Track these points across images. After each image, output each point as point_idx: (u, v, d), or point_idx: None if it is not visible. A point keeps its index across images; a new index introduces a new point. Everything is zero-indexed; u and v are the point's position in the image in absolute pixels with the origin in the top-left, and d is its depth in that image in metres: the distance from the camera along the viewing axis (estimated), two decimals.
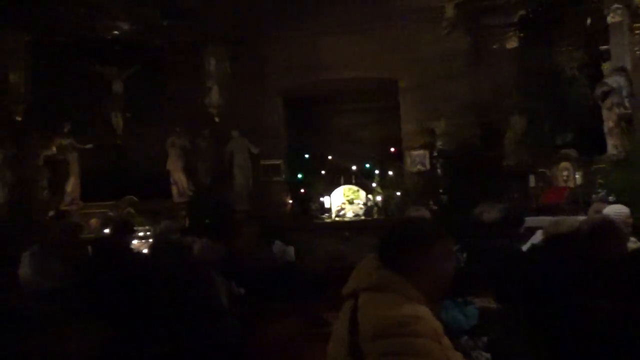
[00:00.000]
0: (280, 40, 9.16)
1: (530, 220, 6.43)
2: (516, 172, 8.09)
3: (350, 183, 9.83)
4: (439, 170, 9.11)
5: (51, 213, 8.39)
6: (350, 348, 1.68)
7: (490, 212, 5.29)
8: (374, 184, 9.76)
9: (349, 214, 9.69)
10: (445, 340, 1.71)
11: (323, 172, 10.01)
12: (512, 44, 8.44)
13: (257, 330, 5.04)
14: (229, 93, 8.97)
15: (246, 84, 9.09)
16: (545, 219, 5.51)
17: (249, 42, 9.09)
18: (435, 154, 9.12)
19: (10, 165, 7.81)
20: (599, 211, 4.19)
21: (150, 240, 7.87)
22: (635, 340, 2.20)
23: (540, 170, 8.02)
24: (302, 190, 9.88)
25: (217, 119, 9.04)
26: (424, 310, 1.67)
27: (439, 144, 8.95)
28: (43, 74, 8.33)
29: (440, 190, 8.87)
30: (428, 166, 9.32)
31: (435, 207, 8.18)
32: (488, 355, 2.59)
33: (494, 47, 8.56)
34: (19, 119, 7.97)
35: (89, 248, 6.60)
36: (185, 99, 9.37)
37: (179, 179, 9.18)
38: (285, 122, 9.74)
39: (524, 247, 4.15)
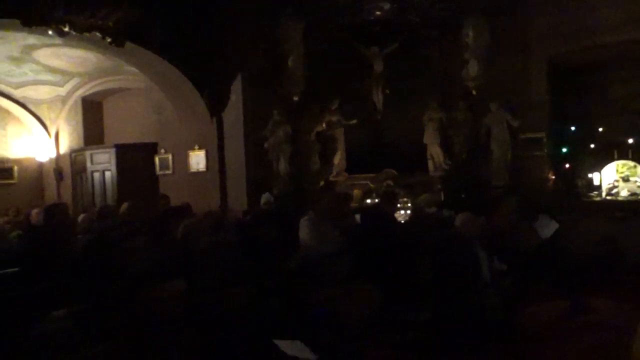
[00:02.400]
0: (546, 3, 8.48)
1: None
2: None
3: (625, 158, 8.75)
4: None
5: (321, 183, 9.27)
6: None
7: None
8: None
9: (623, 192, 8.65)
10: None
11: (592, 145, 9.09)
12: None
13: (519, 309, 4.91)
14: (487, 65, 8.67)
15: (507, 54, 8.67)
16: None
17: (510, 9, 8.63)
18: None
19: (290, 141, 8.88)
20: None
21: (408, 212, 8.19)
22: None
23: None
24: (567, 166, 9.14)
25: (474, 92, 8.83)
26: None
27: None
28: (315, 58, 9.22)
29: None
30: None
31: None
32: None
33: None
34: (296, 99, 8.96)
35: (356, 216, 7.21)
36: (442, 73, 9.41)
37: (435, 152, 9.29)
38: (549, 92, 9.03)
39: None
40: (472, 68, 8.73)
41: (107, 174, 11.21)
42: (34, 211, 9.14)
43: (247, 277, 3.08)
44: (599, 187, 8.77)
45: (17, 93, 11.66)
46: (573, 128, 9.38)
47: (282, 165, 8.84)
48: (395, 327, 4.61)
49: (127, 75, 10.52)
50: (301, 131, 9.10)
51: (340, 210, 6.52)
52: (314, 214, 6.29)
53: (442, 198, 8.83)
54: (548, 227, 6.78)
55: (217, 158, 9.45)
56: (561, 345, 4.71)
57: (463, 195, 8.63)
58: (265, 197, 7.50)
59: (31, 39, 8.83)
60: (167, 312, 2.28)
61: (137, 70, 9.64)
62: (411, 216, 7.27)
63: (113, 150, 11.12)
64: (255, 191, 8.62)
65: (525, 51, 8.80)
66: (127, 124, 11.75)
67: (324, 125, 9.30)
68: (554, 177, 9.02)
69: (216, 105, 9.35)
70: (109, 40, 7.21)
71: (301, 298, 3.17)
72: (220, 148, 9.42)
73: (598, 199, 8.67)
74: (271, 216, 6.72)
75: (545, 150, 8.92)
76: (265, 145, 8.87)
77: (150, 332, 2.28)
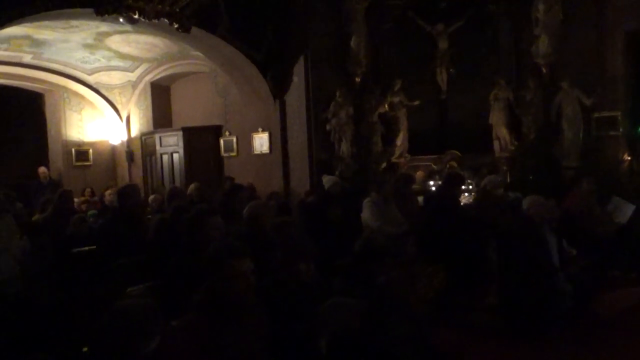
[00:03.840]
0: None
1: None
2: None
3: None
4: None
5: (384, 165, 9.22)
6: None
7: None
8: None
9: None
10: None
11: None
12: None
13: (593, 296, 4.74)
14: (559, 40, 8.30)
15: (580, 29, 8.27)
16: None
17: None
18: None
19: (352, 122, 8.85)
20: None
21: (473, 194, 8.02)
22: None
23: None
24: None
25: (544, 70, 8.49)
26: None
27: None
28: (378, 38, 9.10)
29: None
30: None
31: None
32: None
33: None
34: (358, 80, 8.91)
35: (419, 198, 7.15)
36: (509, 51, 9.09)
37: (501, 133, 9.03)
38: (626, 68, 8.55)
39: None
40: (543, 44, 8.39)
41: (175, 156, 11.56)
42: (108, 192, 9.63)
43: (312, 257, 3.13)
44: None
45: (91, 79, 12.19)
46: None
47: (345, 147, 8.83)
48: (461, 310, 4.57)
49: (193, 59, 10.77)
50: (364, 112, 9.04)
51: (402, 192, 6.47)
52: (377, 195, 6.28)
53: (509, 180, 8.60)
54: (624, 211, 6.48)
55: (280, 140, 9.56)
56: (634, 334, 4.52)
57: (531, 177, 8.37)
58: (329, 179, 7.53)
59: (103, 27, 9.18)
60: (242, 289, 2.36)
61: (202, 55, 9.85)
62: (476, 198, 7.11)
63: (180, 133, 11.43)
64: (318, 173, 8.68)
65: (600, 25, 8.36)
66: (193, 108, 12.06)
67: (386, 106, 9.22)
68: (630, 158, 8.58)
69: (279, 87, 9.43)
70: (176, 26, 7.39)
71: (366, 279, 3.19)
72: (283, 130, 9.52)
73: None
74: (336, 197, 6.76)
75: (621, 130, 8.50)
76: (328, 127, 8.88)
77: (229, 308, 2.36)
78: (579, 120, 8.39)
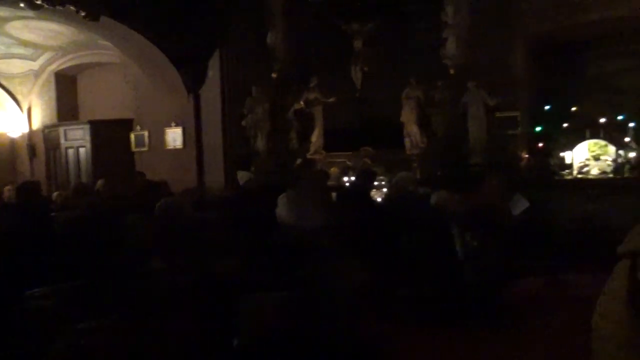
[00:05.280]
0: None
1: None
2: None
3: (597, 137, 8.94)
4: None
5: (299, 161, 9.29)
6: (631, 307, 1.63)
7: None
8: (627, 139, 8.71)
9: (594, 171, 8.86)
10: None
11: (565, 124, 9.26)
12: None
13: (502, 286, 5.04)
14: (467, 43, 8.73)
15: (489, 33, 8.71)
16: None
17: None
18: None
19: (268, 118, 8.85)
20: None
21: (384, 190, 8.27)
22: None
23: None
24: (540, 145, 9.30)
25: (452, 71, 8.89)
26: None
27: None
28: (296, 34, 9.14)
29: None
30: None
31: None
32: None
33: None
34: (274, 76, 8.92)
35: (333, 194, 7.26)
36: (422, 51, 9.43)
37: (412, 130, 9.35)
38: (531, 71, 9.13)
39: None
40: (451, 46, 8.78)
41: (82, 150, 11.05)
42: (6, 188, 9.02)
43: (230, 253, 3.11)
44: (571, 166, 8.96)
45: None
46: (547, 107, 9.52)
47: (260, 143, 8.83)
48: (379, 301, 4.70)
49: (103, 49, 10.32)
50: (280, 108, 9.06)
51: (317, 188, 6.55)
52: (292, 191, 6.31)
53: (419, 176, 8.94)
54: (517, 206, 6.93)
55: (195, 135, 9.39)
56: (540, 320, 4.86)
57: (439, 173, 8.74)
58: (244, 174, 7.48)
59: (3, 11, 8.58)
60: (159, 288, 2.31)
61: (112, 45, 9.46)
62: (388, 194, 7.34)
63: (87, 127, 10.95)
64: (233, 169, 8.60)
65: (508, 29, 8.85)
66: (102, 100, 11.56)
67: (302, 102, 9.28)
68: (527, 155, 9.19)
69: (194, 81, 9.24)
70: (83, 14, 7.04)
71: (284, 274, 3.21)
72: (198, 125, 9.36)
73: (570, 177, 8.86)
74: (251, 193, 6.73)
75: (520, 129, 9.07)
76: (244, 122, 8.83)
77: (146, 308, 2.30)
78: (483, 120, 8.85)
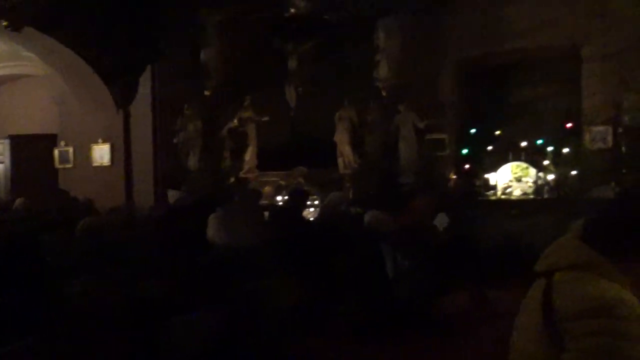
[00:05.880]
0: (459, 8, 8.93)
1: None
2: None
3: (519, 160, 9.38)
4: (623, 148, 8.33)
5: (231, 180, 9.20)
6: (544, 325, 1.69)
7: None
8: (546, 162, 9.20)
9: (516, 192, 9.27)
10: None
11: (490, 147, 9.67)
12: None
13: (429, 303, 5.14)
14: (399, 66, 8.99)
15: (419, 57, 9.02)
16: None
17: (425, 13, 8.98)
18: (620, 130, 8.33)
19: (200, 136, 8.72)
20: None
21: (317, 209, 8.31)
22: None
23: None
24: (467, 166, 9.66)
25: (384, 93, 9.12)
26: (628, 295, 1.62)
27: (626, 119, 8.16)
28: (231, 52, 9.09)
29: (624, 171, 8.13)
30: (610, 144, 8.57)
31: (618, 189, 7.53)
32: None
33: None
34: (207, 93, 8.82)
35: (266, 213, 7.21)
36: (356, 73, 9.61)
37: (345, 151, 9.48)
38: (458, 95, 9.51)
39: None
40: (383, 69, 9.02)
41: (0, 166, 10.46)
42: None
43: (158, 274, 3.01)
44: (495, 187, 9.34)
45: None
46: (473, 130, 9.92)
47: (192, 161, 8.67)
48: (315, 318, 4.68)
49: (26, 61, 9.85)
50: (213, 126, 8.95)
51: (250, 207, 6.50)
52: (224, 210, 6.23)
53: (351, 196, 9.04)
54: (440, 222, 7.15)
55: (124, 152, 9.09)
56: (466, 334, 4.99)
57: (372, 193, 8.88)
58: (174, 193, 7.31)
59: None
60: (85, 308, 2.19)
61: (36, 57, 9.05)
62: (320, 214, 7.38)
63: (7, 141, 10.42)
64: (164, 187, 8.39)
65: (437, 54, 9.20)
66: (24, 114, 11.00)
67: (236, 121, 9.22)
68: (455, 176, 9.51)
69: (123, 96, 8.98)
70: (4, 23, 6.71)
71: (213, 295, 3.14)
72: (127, 142, 9.07)
73: (494, 198, 9.23)
74: (182, 212, 6.57)
75: (448, 151, 9.39)
76: (175, 140, 8.65)
77: (67, 330, 2.17)
78: (414, 141, 9.11)
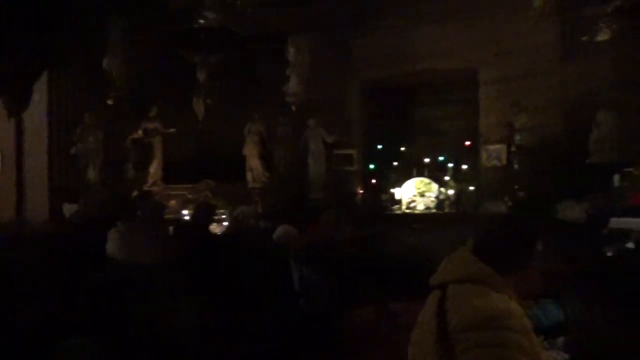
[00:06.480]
0: (366, 30, 9.22)
1: (615, 222, 6.19)
2: (600, 170, 7.76)
3: (422, 175, 9.76)
4: (515, 166, 8.91)
5: (135, 193, 8.84)
6: (438, 337, 1.73)
7: (573, 211, 5.15)
8: (447, 178, 9.64)
9: (420, 206, 9.62)
10: (534, 337, 1.73)
11: (395, 163, 9.99)
12: (604, 36, 8.05)
13: (337, 317, 5.16)
14: (308, 82, 9.09)
15: (327, 74, 9.18)
16: (635, 221, 5.29)
17: (334, 32, 9.18)
18: (513, 149, 8.91)
19: (101, 147, 8.31)
20: None
21: (225, 223, 8.17)
22: None
23: (626, 169, 7.64)
24: (374, 181, 9.91)
25: (293, 108, 9.18)
26: (515, 306, 1.70)
27: (517, 138, 8.74)
28: (136, 61, 8.76)
29: (516, 187, 8.68)
30: (504, 161, 9.15)
31: (510, 204, 8.02)
32: (567, 355, 2.57)
33: (584, 39, 8.20)
34: (110, 102, 8.43)
35: (171, 228, 6.97)
36: (265, 87, 9.61)
37: (254, 164, 9.43)
38: (365, 112, 9.77)
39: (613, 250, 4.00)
40: (293, 84, 9.08)
41: None
42: None
43: (50, 294, 2.80)
44: (400, 202, 9.64)
45: None
46: (380, 146, 10.21)
47: (92, 173, 8.24)
48: (221, 339, 4.55)
49: None
50: (116, 137, 8.57)
51: (153, 222, 6.25)
52: (125, 225, 5.95)
53: (260, 210, 8.98)
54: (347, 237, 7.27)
55: (15, 162, 8.47)
56: (370, 348, 5.04)
57: (280, 207, 8.87)
58: (70, 207, 6.89)
59: None
60: None
61: None
62: (228, 228, 7.26)
63: None
64: (59, 201, 7.89)
65: (344, 72, 9.42)
66: None
67: (140, 132, 8.89)
68: (362, 191, 9.73)
69: (16, 103, 8.37)
70: None
71: (110, 316, 2.96)
72: (19, 151, 8.46)
73: (399, 212, 9.53)
74: (81, 228, 6.20)
75: (356, 166, 9.60)
76: (73, 150, 8.18)
77: None
78: (323, 156, 9.24)
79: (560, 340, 2.72)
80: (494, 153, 9.18)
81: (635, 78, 7.89)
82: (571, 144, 8.04)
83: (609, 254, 3.80)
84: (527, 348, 1.64)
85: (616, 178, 7.66)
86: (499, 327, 1.60)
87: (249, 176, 9.41)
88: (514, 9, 8.38)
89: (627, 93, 7.86)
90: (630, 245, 3.59)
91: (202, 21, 8.51)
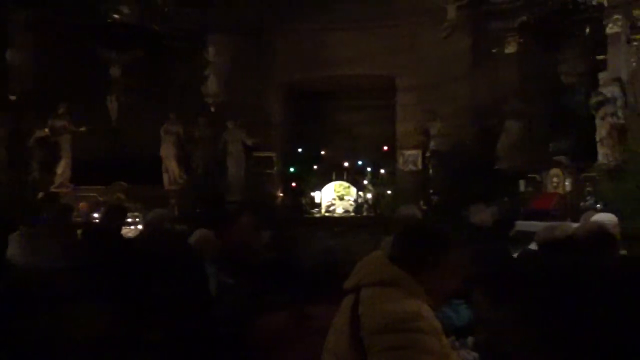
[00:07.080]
0: (286, 33, 9.26)
1: (520, 225, 6.54)
2: (507, 176, 8.18)
3: (342, 179, 9.88)
4: (430, 171, 9.21)
5: (40, 195, 8.32)
6: (351, 341, 1.72)
7: (482, 215, 5.38)
8: (365, 181, 9.81)
9: (339, 209, 9.73)
10: (444, 339, 1.76)
11: (315, 166, 10.04)
12: (511, 49, 8.53)
13: (248, 322, 5.07)
14: (228, 83, 8.96)
15: (247, 76, 9.10)
16: (536, 224, 5.60)
17: (254, 33, 9.12)
18: (428, 154, 9.21)
19: (4, 144, 7.77)
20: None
21: (139, 227, 7.86)
22: (630, 346, 2.25)
23: (530, 175, 8.09)
24: (294, 184, 9.90)
25: (212, 109, 9.01)
26: (426, 309, 1.71)
27: (432, 144, 9.04)
28: (43, 54, 8.25)
29: (431, 191, 8.98)
30: (420, 166, 9.44)
31: (425, 207, 8.27)
32: (476, 354, 2.66)
33: (493, 51, 8.64)
34: (13, 98, 7.90)
35: (79, 231, 6.62)
36: (183, 87, 9.37)
37: (171, 166, 9.15)
38: (284, 115, 9.76)
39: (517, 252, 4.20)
40: (212, 84, 8.94)
41: None
42: None
43: None
44: (320, 205, 9.70)
45: None
46: (300, 149, 10.23)
47: None
48: (129, 347, 4.34)
49: None
50: (19, 136, 8.04)
51: (60, 225, 5.92)
52: (28, 228, 5.60)
53: (177, 213, 8.73)
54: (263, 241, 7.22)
55: None
56: (286, 352, 5.00)
57: (198, 210, 8.67)
58: None
59: None
60: None
61: None
62: (142, 231, 6.99)
63: None
64: None
65: (263, 74, 9.38)
66: None
67: (47, 130, 8.38)
68: (282, 194, 9.71)
69: None
70: None
71: (8, 326, 2.74)
72: None
73: (318, 215, 9.59)
74: None
75: (275, 169, 9.57)
76: None
77: None
78: (242, 158, 9.13)
79: (470, 339, 2.81)
80: (410, 158, 9.45)
81: (538, 89, 8.41)
82: (481, 150, 8.42)
83: (514, 255, 3.99)
84: (437, 349, 1.66)
85: (522, 183, 8.11)
86: (409, 330, 1.61)
87: (165, 178, 9.12)
88: (431, 19, 8.69)
89: (531, 103, 8.36)
90: (533, 246, 3.77)
91: (116, 16, 8.19)
